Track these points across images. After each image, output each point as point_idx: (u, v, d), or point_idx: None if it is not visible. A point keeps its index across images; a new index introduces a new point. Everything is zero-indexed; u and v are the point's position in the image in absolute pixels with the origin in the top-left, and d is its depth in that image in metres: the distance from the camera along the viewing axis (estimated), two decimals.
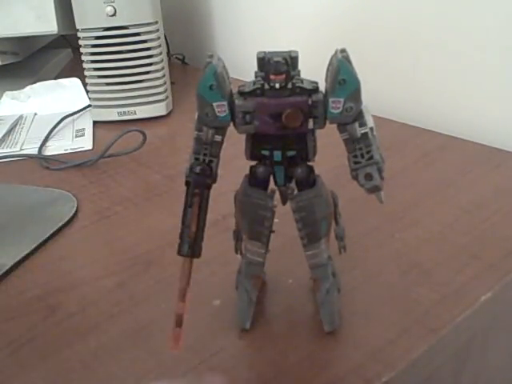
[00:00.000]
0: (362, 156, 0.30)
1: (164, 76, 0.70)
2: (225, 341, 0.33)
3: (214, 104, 0.29)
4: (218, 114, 0.29)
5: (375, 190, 0.30)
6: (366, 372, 0.30)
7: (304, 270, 0.34)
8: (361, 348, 0.32)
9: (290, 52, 0.30)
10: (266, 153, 0.31)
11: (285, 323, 0.35)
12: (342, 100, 0.28)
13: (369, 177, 0.30)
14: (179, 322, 0.30)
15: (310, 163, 0.31)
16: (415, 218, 0.45)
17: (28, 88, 0.78)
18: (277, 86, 0.29)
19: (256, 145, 0.31)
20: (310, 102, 0.29)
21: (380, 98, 0.67)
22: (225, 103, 0.29)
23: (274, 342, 0.33)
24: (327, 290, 0.32)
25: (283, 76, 0.28)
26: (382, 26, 0.68)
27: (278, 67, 0.28)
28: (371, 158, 0.29)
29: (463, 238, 0.42)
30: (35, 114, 0.75)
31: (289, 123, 0.29)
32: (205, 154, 0.30)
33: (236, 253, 0.35)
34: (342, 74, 0.28)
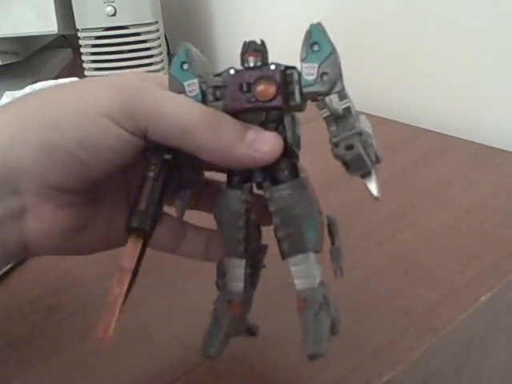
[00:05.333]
0: (345, 132, 0.26)
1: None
2: None
3: (185, 83, 0.27)
4: (188, 94, 0.27)
5: (359, 161, 0.26)
6: (366, 372, 0.30)
7: None
8: (361, 348, 0.32)
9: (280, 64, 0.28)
10: None
11: (285, 323, 0.34)
12: (315, 65, 0.26)
13: (350, 147, 0.26)
14: (112, 308, 0.26)
15: (293, 160, 0.28)
16: (415, 217, 0.45)
17: (28, 88, 0.78)
18: (251, 64, 0.27)
19: None
20: (282, 74, 0.27)
21: (380, 97, 0.67)
22: (195, 81, 0.27)
23: (274, 341, 0.33)
24: (312, 316, 0.27)
25: (258, 55, 0.27)
26: (382, 26, 0.68)
27: (252, 45, 0.27)
28: (353, 128, 0.26)
29: (463, 238, 0.42)
30: None
31: (261, 95, 0.26)
32: None
33: (218, 289, 0.30)
34: (314, 38, 0.26)
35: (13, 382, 0.32)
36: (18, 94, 0.77)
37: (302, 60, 0.27)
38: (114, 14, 0.66)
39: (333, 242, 0.29)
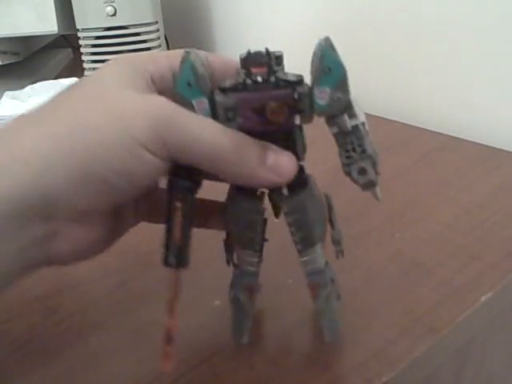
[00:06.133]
0: (354, 150, 0.28)
1: None
2: (225, 341, 0.33)
3: (194, 101, 0.27)
4: (197, 112, 0.27)
5: (370, 185, 0.29)
6: (366, 372, 0.30)
7: None
8: (361, 348, 0.32)
9: (273, 52, 0.28)
10: None
11: (285, 323, 0.35)
12: (328, 90, 0.27)
13: (363, 171, 0.28)
14: (169, 339, 0.28)
15: (300, 163, 0.29)
16: (415, 217, 0.45)
17: (28, 88, 0.78)
18: (259, 79, 0.27)
19: None
20: (295, 94, 0.27)
21: (380, 98, 0.67)
22: (205, 100, 0.27)
23: (274, 342, 0.33)
24: (326, 296, 0.31)
25: (265, 68, 0.27)
26: (382, 26, 0.68)
27: (257, 58, 0.27)
28: (364, 151, 0.28)
29: (463, 237, 0.42)
30: None
31: (273, 118, 0.27)
32: None
33: (228, 264, 0.33)
34: (327, 62, 0.26)
35: (13, 382, 0.32)
36: (18, 93, 0.77)
37: (315, 83, 0.27)
38: (114, 14, 0.66)
39: (332, 226, 0.32)
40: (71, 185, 0.25)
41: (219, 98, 0.27)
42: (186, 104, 0.27)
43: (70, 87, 0.28)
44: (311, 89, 0.27)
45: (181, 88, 0.27)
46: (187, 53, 0.27)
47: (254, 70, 0.27)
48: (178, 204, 0.27)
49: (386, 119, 0.62)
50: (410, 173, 0.52)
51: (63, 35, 0.95)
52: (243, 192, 0.29)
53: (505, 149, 0.54)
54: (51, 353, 0.34)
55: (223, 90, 0.27)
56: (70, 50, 1.01)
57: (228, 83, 0.27)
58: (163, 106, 0.26)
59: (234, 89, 0.27)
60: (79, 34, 0.68)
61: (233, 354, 0.33)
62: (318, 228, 0.30)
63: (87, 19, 0.67)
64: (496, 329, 0.43)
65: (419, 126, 0.61)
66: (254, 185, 0.28)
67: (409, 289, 0.37)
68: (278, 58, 0.28)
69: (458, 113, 0.62)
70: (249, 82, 0.27)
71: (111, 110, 0.26)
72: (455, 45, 0.61)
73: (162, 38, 0.71)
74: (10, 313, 0.37)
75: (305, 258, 0.30)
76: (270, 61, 0.27)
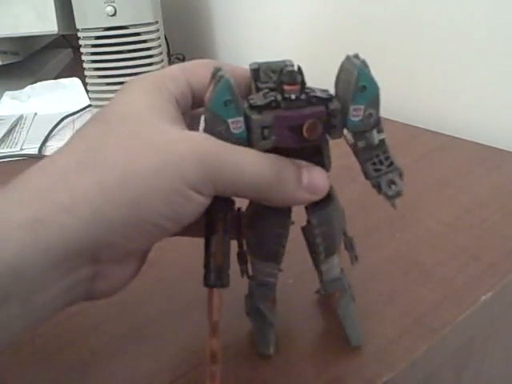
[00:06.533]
0: (381, 163, 0.29)
1: None
2: (225, 341, 0.33)
3: (229, 121, 0.26)
4: (232, 131, 0.27)
5: (398, 195, 0.29)
6: (366, 372, 0.30)
7: (304, 270, 0.34)
8: (361, 348, 0.32)
9: (284, 61, 0.28)
10: None
11: (285, 323, 0.35)
12: (362, 107, 0.27)
13: (392, 183, 0.29)
14: (214, 359, 0.27)
15: None
16: (415, 217, 0.45)
17: (28, 88, 0.78)
18: (292, 96, 0.27)
19: None
20: (328, 111, 0.27)
21: (380, 98, 0.67)
22: (241, 119, 0.27)
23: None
24: (347, 303, 0.32)
25: (298, 86, 0.27)
26: (382, 26, 0.68)
27: (293, 77, 0.27)
28: (391, 163, 0.29)
29: (463, 237, 0.42)
30: (35, 114, 0.75)
31: (310, 135, 0.27)
32: None
33: (242, 276, 0.32)
34: (363, 80, 0.27)
35: (13, 382, 0.32)
36: (18, 93, 0.77)
37: (350, 101, 0.27)
38: (114, 14, 0.66)
39: (345, 234, 0.32)
40: (120, 231, 0.25)
41: (255, 116, 0.27)
42: (221, 124, 0.26)
43: (102, 119, 0.28)
44: (344, 105, 0.27)
45: (217, 107, 0.26)
46: (218, 70, 0.27)
47: (287, 88, 0.27)
48: (220, 224, 0.28)
49: (386, 119, 0.62)
50: (410, 173, 0.51)
51: (63, 35, 0.95)
52: (270, 207, 0.29)
53: (505, 149, 0.54)
54: (51, 353, 0.34)
55: (255, 108, 0.27)
56: (69, 50, 1.01)
57: (258, 100, 0.27)
58: (206, 144, 0.26)
59: (267, 107, 0.27)
60: (79, 34, 0.68)
61: (233, 354, 0.33)
62: (339, 238, 0.31)
63: (87, 19, 0.67)
64: (496, 329, 0.43)
65: (419, 125, 0.61)
66: (292, 205, 0.29)
67: (409, 289, 0.37)
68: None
69: (458, 113, 0.62)
70: (280, 99, 0.27)
71: (157, 154, 0.25)
72: (455, 45, 0.61)
73: (162, 37, 0.71)
74: None
75: (325, 268, 0.31)
76: (303, 79, 0.27)
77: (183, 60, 0.91)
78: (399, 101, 0.67)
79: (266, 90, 0.28)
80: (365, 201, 0.46)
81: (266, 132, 0.27)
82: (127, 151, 0.25)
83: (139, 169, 0.25)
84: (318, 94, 0.27)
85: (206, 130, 0.27)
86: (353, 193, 0.45)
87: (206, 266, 0.28)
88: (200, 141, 0.26)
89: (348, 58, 0.28)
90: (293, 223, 0.30)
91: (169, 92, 0.28)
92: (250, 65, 0.28)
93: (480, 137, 0.57)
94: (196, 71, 0.30)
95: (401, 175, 0.29)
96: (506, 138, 0.57)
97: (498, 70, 0.58)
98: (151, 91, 0.28)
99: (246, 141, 0.27)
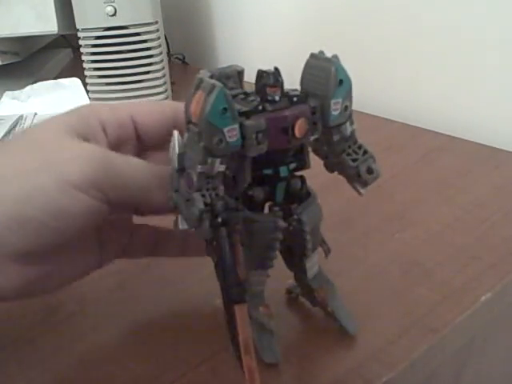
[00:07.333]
0: (356, 153, 0.29)
1: (164, 76, 0.70)
2: (225, 341, 0.33)
3: (225, 129, 0.25)
4: (228, 140, 0.26)
5: (375, 180, 0.30)
6: (366, 372, 0.30)
7: None
8: (361, 348, 0.32)
9: (232, 66, 0.29)
10: (269, 171, 0.29)
11: (284, 324, 0.35)
12: (340, 101, 0.28)
13: (370, 170, 0.29)
14: (253, 378, 0.27)
15: (299, 174, 0.30)
16: (415, 217, 0.45)
17: (28, 88, 0.78)
18: (276, 98, 0.27)
19: (257, 166, 0.28)
20: (311, 109, 0.28)
21: (380, 97, 0.67)
22: (236, 127, 0.26)
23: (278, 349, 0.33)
24: (332, 294, 0.32)
25: (279, 88, 0.27)
26: (381, 26, 0.68)
27: (276, 79, 0.27)
28: (366, 152, 0.29)
29: (463, 237, 0.42)
30: (35, 114, 0.75)
31: (300, 134, 0.27)
32: (208, 189, 0.26)
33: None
34: (340, 75, 0.27)
35: (13, 382, 0.32)
36: (18, 93, 0.77)
37: (330, 96, 0.28)
38: (114, 14, 0.66)
39: None
40: (10, 229, 0.26)
41: (249, 122, 0.26)
42: (217, 134, 0.25)
43: (24, 133, 0.31)
44: (323, 102, 0.28)
45: (213, 117, 0.25)
46: (202, 80, 0.26)
47: (271, 90, 0.27)
48: (237, 237, 0.27)
49: (386, 119, 0.62)
50: (410, 173, 0.52)
51: (63, 35, 0.95)
52: (259, 211, 0.29)
53: (505, 149, 0.54)
54: (51, 353, 0.34)
55: (243, 114, 0.27)
56: (69, 50, 1.01)
57: (242, 106, 0.27)
58: (95, 151, 0.28)
59: (255, 111, 0.27)
60: (79, 34, 0.68)
61: (233, 353, 0.33)
62: (320, 233, 0.32)
63: (87, 19, 0.67)
64: (496, 329, 0.43)
65: (419, 126, 0.61)
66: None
67: (409, 289, 0.37)
68: (240, 74, 0.29)
69: (458, 113, 0.62)
70: (264, 102, 0.27)
71: (47, 157, 0.27)
72: (455, 45, 0.61)
73: (162, 38, 0.71)
74: (11, 313, 0.37)
75: (309, 264, 0.31)
76: (282, 80, 0.27)
77: (183, 60, 0.91)
78: (399, 101, 0.67)
79: (242, 96, 0.28)
80: (365, 201, 0.46)
81: (260, 137, 0.27)
82: (18, 153, 0.28)
83: (29, 168, 0.27)
84: (294, 93, 0.28)
85: (202, 143, 0.26)
86: (353, 193, 0.45)
87: (229, 283, 0.27)
88: (91, 147, 0.28)
89: (313, 55, 0.28)
90: (286, 225, 0.29)
91: (95, 118, 0.30)
92: (200, 73, 0.27)
93: (480, 137, 0.57)
94: (145, 111, 0.32)
95: (374, 161, 0.30)
96: (506, 138, 0.57)
97: (498, 70, 0.58)
98: (75, 114, 0.31)
99: (241, 149, 0.26)
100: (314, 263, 0.32)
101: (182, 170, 0.27)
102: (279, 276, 0.32)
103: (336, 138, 0.29)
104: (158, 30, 0.69)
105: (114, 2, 0.65)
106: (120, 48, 0.68)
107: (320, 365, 0.31)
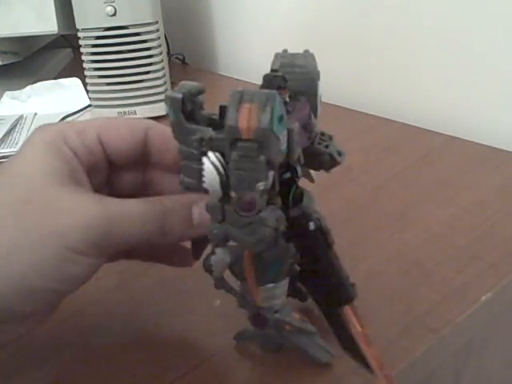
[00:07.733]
0: (323, 140, 0.30)
1: (164, 76, 0.70)
2: (225, 341, 0.33)
3: (281, 136, 0.24)
4: (281, 148, 0.25)
5: (344, 158, 0.31)
6: (366, 372, 0.30)
7: None
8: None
9: (192, 83, 0.28)
10: (287, 175, 0.28)
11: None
12: (320, 95, 0.29)
13: (339, 152, 0.30)
14: (381, 366, 0.29)
15: (288, 175, 0.29)
16: (415, 218, 0.45)
17: (28, 88, 0.78)
18: (287, 99, 0.27)
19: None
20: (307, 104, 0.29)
21: (380, 97, 0.67)
22: (286, 132, 0.25)
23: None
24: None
25: (286, 89, 0.27)
26: (381, 26, 0.68)
27: (285, 80, 0.27)
28: (330, 137, 0.30)
29: (463, 237, 0.42)
30: (35, 114, 0.75)
31: (313, 129, 0.28)
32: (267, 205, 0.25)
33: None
34: (316, 71, 0.29)
35: (13, 382, 0.32)
36: (18, 93, 0.77)
37: (316, 91, 0.29)
38: (114, 14, 0.66)
39: None
40: (16, 298, 0.26)
41: (290, 125, 0.25)
42: (277, 142, 0.24)
43: (5, 185, 0.28)
44: (312, 99, 0.29)
45: (275, 126, 0.24)
46: (242, 92, 0.24)
47: (282, 93, 0.27)
48: (333, 239, 0.28)
49: (386, 119, 0.62)
50: (410, 173, 0.52)
51: (63, 35, 0.95)
52: None
53: (505, 149, 0.54)
54: (51, 353, 0.34)
55: None
56: (69, 49, 1.01)
57: None
58: (93, 211, 0.27)
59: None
60: (79, 34, 0.68)
61: (233, 354, 0.33)
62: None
63: (87, 19, 0.67)
64: (496, 329, 0.43)
65: (419, 126, 0.61)
66: (184, 241, 0.31)
67: (409, 288, 0.37)
68: None
69: (458, 113, 0.62)
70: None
71: (45, 226, 0.27)
72: (455, 45, 0.61)
73: (162, 37, 0.71)
74: None
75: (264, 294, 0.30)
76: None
77: (183, 60, 0.91)
78: (399, 101, 0.67)
79: None
80: (365, 201, 0.46)
81: (297, 138, 0.26)
82: (18, 218, 0.27)
83: (28, 241, 0.26)
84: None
85: (265, 157, 0.24)
86: (353, 193, 0.45)
87: (345, 283, 0.29)
88: (88, 208, 0.27)
89: (279, 55, 0.29)
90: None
91: (68, 147, 0.29)
92: (171, 92, 0.27)
93: (480, 137, 0.57)
94: (113, 130, 0.31)
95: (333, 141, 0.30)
96: (506, 138, 0.57)
97: (498, 70, 0.58)
98: (49, 150, 0.29)
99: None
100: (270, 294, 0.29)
101: (226, 196, 0.25)
102: None
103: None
104: (157, 30, 0.69)
105: (113, 1, 0.65)
106: (120, 48, 0.68)
107: (320, 365, 0.31)
